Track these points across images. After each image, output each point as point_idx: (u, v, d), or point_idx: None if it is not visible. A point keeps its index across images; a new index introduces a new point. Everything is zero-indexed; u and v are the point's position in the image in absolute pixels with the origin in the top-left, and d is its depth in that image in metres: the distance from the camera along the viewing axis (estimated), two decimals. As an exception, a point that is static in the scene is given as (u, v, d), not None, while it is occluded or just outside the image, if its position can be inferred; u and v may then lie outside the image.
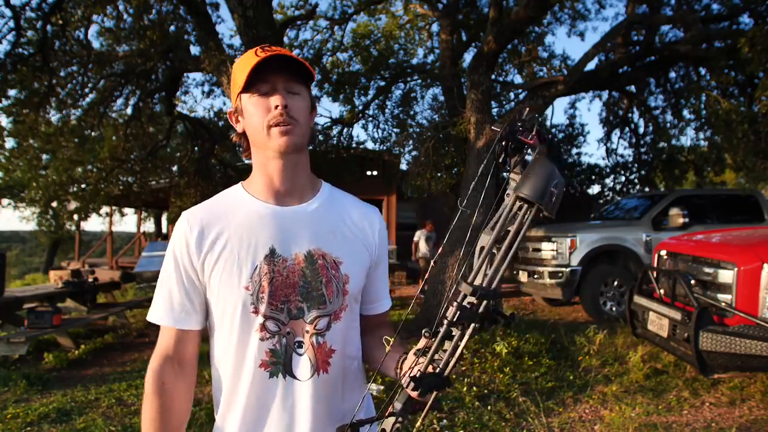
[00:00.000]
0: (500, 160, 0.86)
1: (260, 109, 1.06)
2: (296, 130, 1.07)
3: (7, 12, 6.43)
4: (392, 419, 0.91)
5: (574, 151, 13.90)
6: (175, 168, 10.46)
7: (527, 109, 0.89)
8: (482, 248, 0.85)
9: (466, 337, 0.83)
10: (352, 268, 1.13)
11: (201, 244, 1.07)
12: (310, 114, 1.13)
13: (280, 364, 1.07)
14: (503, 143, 0.84)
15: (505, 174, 0.89)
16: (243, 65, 1.07)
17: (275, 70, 1.05)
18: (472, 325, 0.82)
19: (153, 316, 1.12)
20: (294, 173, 1.12)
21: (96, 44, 10.00)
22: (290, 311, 1.07)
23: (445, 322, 0.82)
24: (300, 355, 1.07)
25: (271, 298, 1.05)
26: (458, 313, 0.80)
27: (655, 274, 4.45)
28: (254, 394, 1.07)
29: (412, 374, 0.86)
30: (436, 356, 0.87)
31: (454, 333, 0.83)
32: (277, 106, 1.05)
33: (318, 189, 1.18)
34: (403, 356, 1.06)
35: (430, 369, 0.87)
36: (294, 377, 1.07)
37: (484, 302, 0.81)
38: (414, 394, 0.89)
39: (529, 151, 0.85)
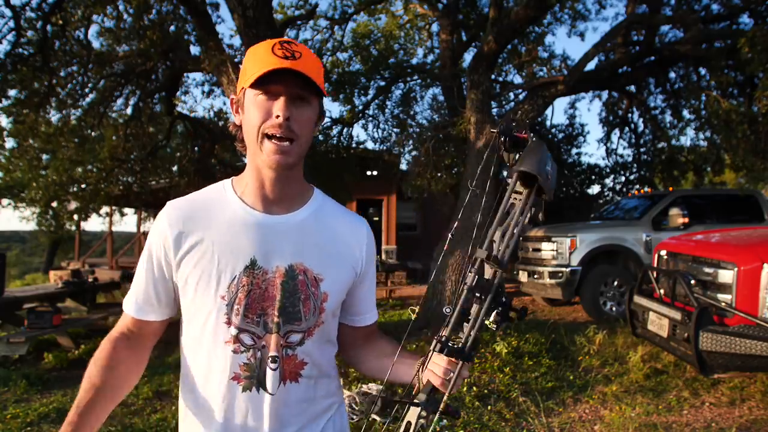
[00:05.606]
0: (500, 153, 0.98)
1: (261, 112, 1.00)
2: (292, 150, 1.02)
3: (7, 12, 6.44)
4: (417, 410, 0.93)
5: (574, 151, 13.92)
6: (175, 168, 10.44)
7: (518, 111, 0.98)
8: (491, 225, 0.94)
9: (484, 309, 0.88)
10: (332, 286, 1.09)
11: (179, 244, 1.05)
12: (315, 124, 1.09)
13: (254, 378, 1.04)
14: (502, 139, 0.96)
15: (504, 172, 0.95)
16: (258, 59, 1.00)
17: (290, 74, 0.98)
18: (488, 298, 0.88)
19: (124, 303, 1.13)
20: (286, 184, 1.08)
21: (96, 44, 9.98)
22: (266, 325, 1.04)
23: (465, 287, 0.88)
24: (273, 370, 1.05)
25: (246, 311, 1.03)
26: (476, 278, 0.87)
27: (655, 274, 4.45)
28: (225, 406, 1.04)
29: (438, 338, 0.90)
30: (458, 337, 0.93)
31: (471, 311, 0.90)
32: (278, 116, 0.98)
33: (308, 198, 1.14)
34: (423, 358, 1.06)
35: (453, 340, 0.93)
36: (266, 390, 1.05)
37: (498, 273, 0.88)
38: (443, 363, 0.95)
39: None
